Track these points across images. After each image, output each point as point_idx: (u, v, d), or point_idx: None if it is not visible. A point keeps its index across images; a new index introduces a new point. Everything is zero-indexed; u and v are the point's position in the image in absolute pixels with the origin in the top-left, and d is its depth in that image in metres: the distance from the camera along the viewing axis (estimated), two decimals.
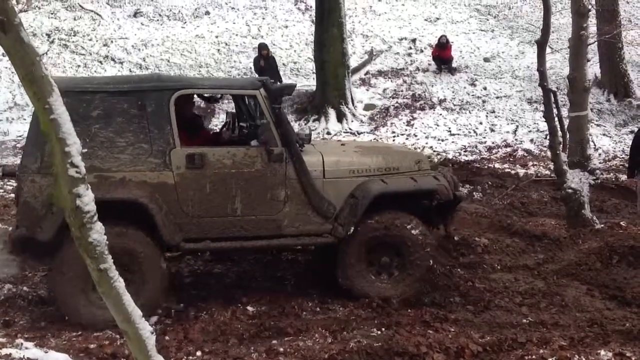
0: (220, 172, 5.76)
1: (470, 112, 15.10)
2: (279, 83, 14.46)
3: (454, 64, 16.80)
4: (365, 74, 16.76)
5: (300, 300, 6.08)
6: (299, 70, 17.01)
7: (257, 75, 14.98)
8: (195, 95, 6.67)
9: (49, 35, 16.94)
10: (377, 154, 6.38)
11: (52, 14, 18.07)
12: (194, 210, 5.69)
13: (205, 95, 7.31)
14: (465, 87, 16.13)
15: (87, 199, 2.62)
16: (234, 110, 7.00)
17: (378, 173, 6.17)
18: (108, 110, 5.56)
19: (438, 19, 19.40)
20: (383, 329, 5.44)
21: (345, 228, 5.95)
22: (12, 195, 7.82)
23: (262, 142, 5.84)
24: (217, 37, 18.12)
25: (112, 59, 16.87)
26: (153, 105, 5.64)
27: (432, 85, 16.15)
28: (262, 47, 15.26)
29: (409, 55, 17.67)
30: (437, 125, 14.57)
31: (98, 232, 2.62)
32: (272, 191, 5.86)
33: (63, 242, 5.35)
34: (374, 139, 14.07)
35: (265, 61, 14.77)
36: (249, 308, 6.00)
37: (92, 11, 18.48)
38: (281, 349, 4.95)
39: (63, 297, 5.48)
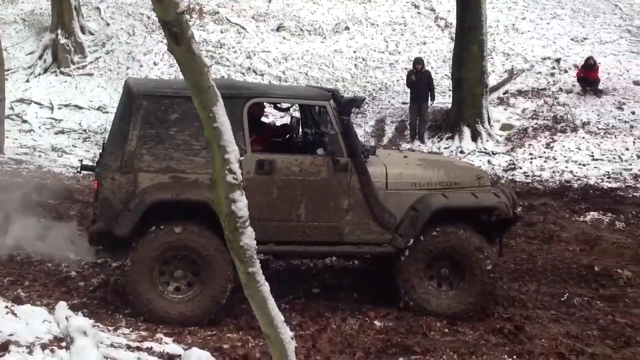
0: (287, 179, 6.03)
1: (615, 137, 14.28)
2: (430, 99, 14.60)
3: (601, 86, 15.99)
4: (504, 93, 16.30)
5: (429, 320, 6.03)
6: (435, 87, 16.84)
7: (409, 90, 14.96)
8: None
9: None
10: (439, 168, 6.54)
11: (201, 26, 19.06)
12: (261, 214, 5.89)
13: (277, 104, 7.47)
14: (611, 111, 15.29)
15: (242, 205, 2.75)
16: (298, 116, 7.16)
17: (439, 187, 6.32)
18: (185, 114, 5.83)
19: (585, 39, 18.55)
20: (514, 357, 5.29)
21: (404, 239, 6.12)
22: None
23: (328, 152, 6.09)
24: (355, 52, 18.36)
25: (254, 71, 17.53)
26: (228, 111, 5.89)
27: (576, 107, 15.45)
28: (417, 62, 14.93)
29: (552, 75, 17.01)
30: (579, 149, 13.89)
31: (249, 237, 2.74)
32: (336, 200, 6.11)
33: (136, 239, 5.72)
34: (510, 159, 13.67)
35: (417, 76, 14.63)
36: (376, 322, 6.04)
37: (238, 25, 19.34)
38: None
39: (135, 290, 5.76)
